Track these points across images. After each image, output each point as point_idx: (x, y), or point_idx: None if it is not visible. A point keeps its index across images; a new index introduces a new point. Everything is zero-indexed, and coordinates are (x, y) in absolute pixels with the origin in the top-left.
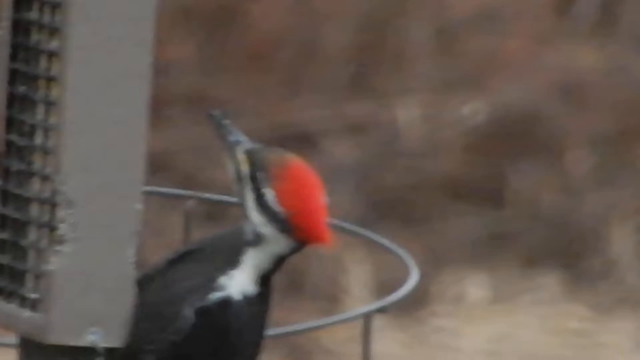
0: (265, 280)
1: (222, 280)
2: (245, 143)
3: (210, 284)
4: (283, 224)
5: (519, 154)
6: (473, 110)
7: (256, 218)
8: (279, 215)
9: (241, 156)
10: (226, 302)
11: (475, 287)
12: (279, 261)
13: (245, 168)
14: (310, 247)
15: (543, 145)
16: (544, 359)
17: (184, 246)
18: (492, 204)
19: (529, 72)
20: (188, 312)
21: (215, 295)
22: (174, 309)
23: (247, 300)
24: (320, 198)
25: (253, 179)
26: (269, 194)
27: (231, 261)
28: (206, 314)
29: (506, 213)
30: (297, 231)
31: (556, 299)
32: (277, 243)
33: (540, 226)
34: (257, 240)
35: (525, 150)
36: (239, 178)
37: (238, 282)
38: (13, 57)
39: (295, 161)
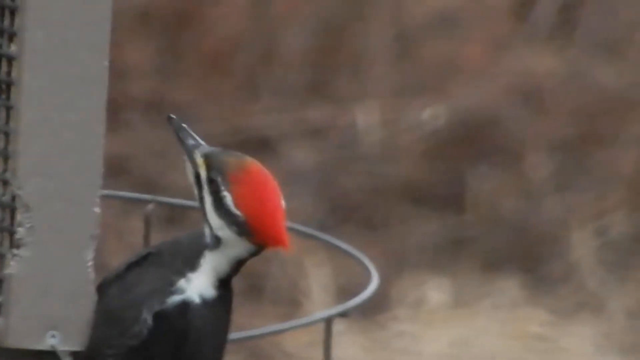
0: (224, 283)
1: (181, 283)
2: (203, 147)
3: (168, 288)
4: (241, 227)
5: (478, 158)
6: (432, 114)
7: (214, 221)
8: (236, 218)
9: (199, 160)
10: (184, 306)
11: (435, 291)
12: (238, 264)
13: (203, 171)
14: (268, 250)
15: (502, 149)
16: None
17: (143, 250)
18: (452, 209)
19: (487, 77)
20: (146, 316)
21: (173, 299)
22: (133, 313)
23: (206, 303)
24: (279, 201)
25: (211, 182)
26: (227, 197)
27: (190, 264)
28: (164, 317)
29: (466, 217)
30: (254, 234)
31: (517, 303)
32: (235, 246)
33: (500, 230)
34: (216, 243)
35: (485, 154)
36: (198, 181)
37: (196, 286)
38: None
39: (253, 165)
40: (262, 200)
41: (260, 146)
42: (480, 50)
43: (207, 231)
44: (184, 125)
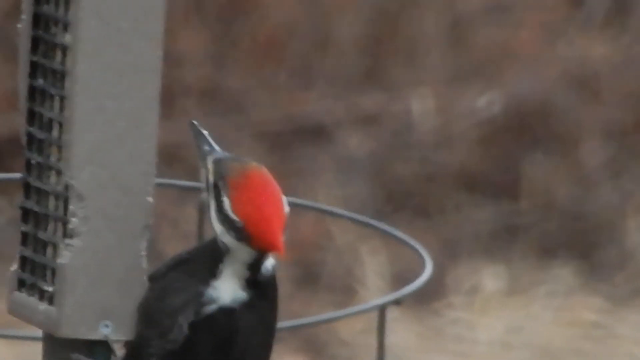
0: (252, 283)
1: (209, 292)
2: (217, 153)
3: (200, 298)
4: (238, 233)
5: (533, 145)
6: (487, 101)
7: (217, 227)
8: (234, 223)
9: (210, 165)
10: (222, 313)
11: (490, 278)
12: (254, 266)
13: (211, 177)
14: (267, 254)
15: (557, 136)
16: (559, 350)
17: (179, 254)
18: (507, 196)
19: (542, 64)
20: (183, 324)
21: (208, 308)
22: (169, 320)
23: (244, 305)
24: (277, 207)
25: (215, 187)
26: (226, 203)
27: (212, 272)
28: (203, 326)
29: (521, 205)
30: (251, 239)
31: (572, 290)
32: (238, 251)
33: (555, 217)
34: (226, 249)
35: (539, 141)
36: (207, 187)
37: (226, 292)
38: (33, 50)
39: (255, 170)
40: (258, 205)
41: (315, 134)
42: (534, 37)
43: (218, 237)
44: (203, 131)
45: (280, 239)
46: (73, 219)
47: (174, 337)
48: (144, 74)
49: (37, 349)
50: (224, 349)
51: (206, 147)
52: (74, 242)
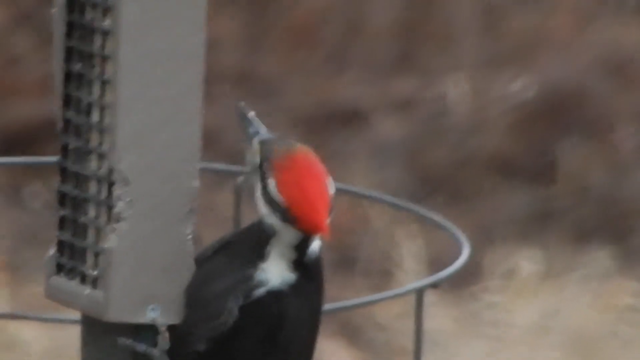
0: (300, 265)
1: (258, 275)
2: (262, 134)
3: (248, 281)
4: (284, 214)
5: (567, 130)
6: (521, 86)
7: (263, 209)
8: (279, 205)
9: (256, 147)
10: (271, 296)
11: (526, 262)
12: (300, 248)
13: (257, 158)
14: (313, 236)
15: (592, 121)
16: (595, 334)
17: (224, 237)
18: (542, 180)
19: (576, 49)
20: (231, 308)
21: (258, 291)
22: (217, 303)
23: (292, 288)
24: (322, 188)
25: (260, 168)
26: (271, 184)
27: (259, 254)
28: (252, 309)
29: (556, 189)
30: (295, 221)
31: (608, 274)
32: (284, 233)
33: (590, 202)
34: (272, 230)
35: (574, 126)
36: (252, 168)
37: (274, 274)
38: (68, 34)
39: (300, 152)
40: (302, 187)
41: (349, 119)
42: (568, 22)
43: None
44: (250, 113)
45: (325, 220)
46: (119, 203)
47: (223, 320)
48: (186, 58)
49: (71, 332)
50: (273, 331)
51: (252, 129)
52: (120, 225)
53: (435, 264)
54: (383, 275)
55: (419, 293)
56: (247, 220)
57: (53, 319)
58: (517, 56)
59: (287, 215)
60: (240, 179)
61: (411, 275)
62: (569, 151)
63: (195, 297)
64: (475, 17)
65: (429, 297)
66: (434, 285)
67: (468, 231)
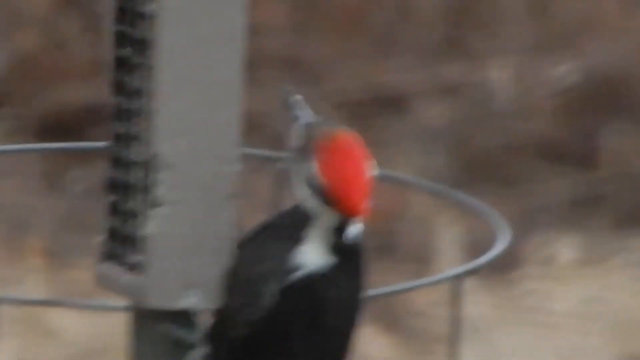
0: (339, 248)
1: (297, 258)
2: (308, 117)
3: (287, 264)
4: (323, 196)
5: (611, 115)
6: (567, 71)
7: (302, 191)
8: (319, 187)
9: (300, 130)
10: (310, 278)
11: (566, 248)
12: (339, 232)
13: (299, 141)
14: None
15: (636, 106)
16: (636, 321)
17: (264, 221)
18: (585, 166)
19: (623, 34)
20: (273, 290)
21: (297, 274)
22: (258, 287)
23: (332, 271)
24: (362, 171)
25: (302, 150)
26: (313, 166)
27: (298, 237)
28: (292, 293)
29: (599, 174)
30: (334, 203)
31: None
32: (324, 216)
33: (634, 188)
34: (311, 213)
35: (619, 111)
36: (294, 151)
37: (312, 257)
38: (119, 19)
39: (342, 135)
40: (342, 169)
41: (395, 103)
42: (615, 7)
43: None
44: (296, 96)
45: (362, 203)
46: (159, 188)
47: (262, 304)
48: (228, 42)
49: (109, 320)
50: (312, 315)
51: (297, 113)
52: (161, 211)
53: (475, 251)
54: (422, 261)
55: (457, 280)
56: (286, 206)
57: (92, 306)
58: (562, 41)
59: (326, 197)
60: (281, 164)
61: (450, 261)
62: (613, 136)
63: (235, 281)
64: (522, 1)
65: (468, 284)
66: (473, 272)
67: (510, 217)
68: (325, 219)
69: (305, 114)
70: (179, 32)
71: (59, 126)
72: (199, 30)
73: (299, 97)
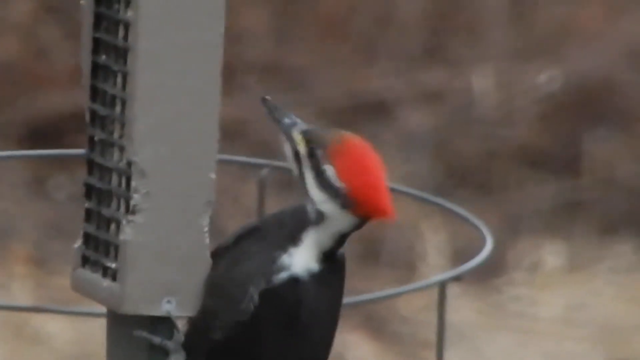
0: (329, 256)
1: (283, 259)
2: (300, 124)
3: (272, 265)
4: (344, 200)
5: (594, 121)
6: (549, 78)
7: (317, 196)
8: (339, 190)
9: (298, 137)
10: (292, 282)
11: (551, 255)
12: (341, 238)
13: (302, 148)
14: (370, 222)
15: (619, 113)
16: (621, 327)
17: (250, 223)
18: (568, 172)
19: (604, 40)
20: (253, 294)
21: (280, 276)
22: (239, 289)
23: (314, 277)
24: (381, 172)
25: (311, 156)
26: (329, 170)
27: (292, 239)
28: (273, 295)
29: (582, 181)
30: (358, 206)
31: (633, 267)
32: (338, 220)
33: (617, 194)
34: (319, 218)
35: (601, 118)
36: (297, 158)
37: (300, 261)
38: (96, 26)
39: (352, 138)
40: (364, 171)
41: (376, 110)
42: (596, 13)
43: (309, 207)
44: (278, 105)
45: (390, 203)
46: (135, 195)
47: (244, 307)
48: (205, 50)
49: (95, 325)
50: (291, 319)
51: (287, 120)
52: (136, 218)
53: (460, 257)
54: (407, 267)
55: (443, 286)
56: (270, 212)
57: (77, 312)
58: (545, 48)
59: (347, 200)
60: (265, 171)
61: (435, 268)
62: (596, 143)
63: (218, 284)
64: (504, 8)
65: (454, 290)
66: (457, 278)
67: (494, 223)
68: (338, 222)
69: (296, 121)
70: (157, 40)
71: (42, 133)
72: (177, 37)
73: (280, 105)
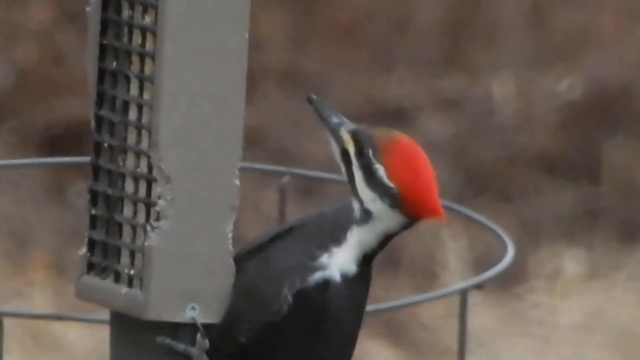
0: (367, 259)
1: (323, 258)
2: (348, 124)
3: (310, 263)
4: (394, 199)
5: (614, 128)
6: (568, 85)
7: (366, 195)
8: (390, 190)
9: (346, 136)
10: (325, 284)
11: (571, 262)
12: (386, 239)
13: (351, 147)
14: (420, 223)
15: (637, 120)
16: None
17: (286, 223)
18: (588, 179)
19: (623, 47)
20: (287, 293)
21: (315, 276)
22: (273, 289)
23: (347, 281)
24: (431, 172)
25: (361, 156)
26: (380, 170)
27: (335, 238)
28: (305, 295)
29: (602, 188)
30: (408, 205)
31: None
32: (387, 219)
33: (637, 201)
34: (366, 217)
35: (621, 125)
36: (345, 158)
37: (339, 261)
38: (102, 32)
39: (402, 137)
40: (415, 170)
41: (395, 117)
42: (615, 20)
43: (356, 206)
44: (324, 104)
45: (439, 202)
46: (160, 201)
47: (276, 307)
48: (229, 56)
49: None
50: (316, 324)
51: (334, 119)
52: (162, 224)
53: (480, 264)
54: (428, 275)
55: (464, 293)
56: (290, 220)
57: (97, 320)
58: (563, 55)
59: (397, 199)
60: (285, 178)
61: (456, 275)
62: (615, 150)
63: (247, 286)
64: (522, 15)
65: (474, 297)
66: (478, 286)
67: (513, 231)
68: (386, 222)
69: (344, 120)
70: (180, 46)
71: (61, 140)
72: (200, 43)
73: (327, 104)
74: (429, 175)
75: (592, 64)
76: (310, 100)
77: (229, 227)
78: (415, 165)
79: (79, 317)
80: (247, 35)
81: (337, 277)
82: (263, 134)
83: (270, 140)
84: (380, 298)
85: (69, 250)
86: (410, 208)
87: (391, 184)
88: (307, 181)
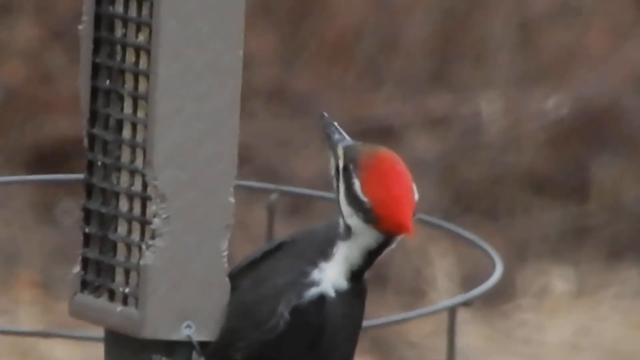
0: (357, 276)
1: (314, 274)
2: (347, 141)
3: (303, 280)
4: (367, 214)
5: (601, 147)
6: (555, 103)
7: (345, 209)
8: (364, 204)
9: (340, 152)
10: (321, 299)
11: (559, 280)
12: (370, 256)
13: (340, 162)
14: (395, 238)
15: (626, 138)
16: (628, 353)
17: (276, 239)
18: (575, 197)
19: (610, 65)
20: (283, 310)
21: (310, 292)
22: (268, 306)
23: (341, 296)
24: (407, 188)
25: (345, 170)
26: (355, 184)
27: (323, 254)
28: (301, 312)
29: (589, 206)
30: (379, 221)
31: None
32: (364, 235)
33: (624, 219)
34: (348, 232)
35: (608, 143)
36: (337, 172)
37: (330, 276)
38: (95, 51)
39: (384, 153)
40: (387, 186)
41: (383, 135)
42: (602, 39)
43: (341, 221)
44: (333, 122)
45: (410, 219)
46: (155, 220)
47: (273, 324)
48: (224, 75)
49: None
50: (313, 341)
51: (336, 136)
52: (157, 242)
53: (468, 282)
54: (415, 292)
55: (452, 311)
56: (279, 237)
57: (86, 337)
58: (551, 73)
59: (370, 215)
60: (273, 196)
61: (443, 293)
62: (603, 168)
63: (242, 304)
64: (510, 34)
65: (462, 315)
66: (467, 304)
67: (501, 249)
68: (364, 238)
69: (346, 137)
70: (174, 64)
71: (48, 158)
72: (194, 62)
73: (335, 122)
74: (402, 190)
75: (579, 83)
76: (320, 118)
77: (224, 245)
78: (388, 180)
79: (66, 334)
80: (241, 53)
81: (331, 293)
82: (251, 153)
83: (258, 159)
84: (368, 315)
85: (56, 268)
86: (381, 223)
87: (364, 199)
88: (295, 199)
